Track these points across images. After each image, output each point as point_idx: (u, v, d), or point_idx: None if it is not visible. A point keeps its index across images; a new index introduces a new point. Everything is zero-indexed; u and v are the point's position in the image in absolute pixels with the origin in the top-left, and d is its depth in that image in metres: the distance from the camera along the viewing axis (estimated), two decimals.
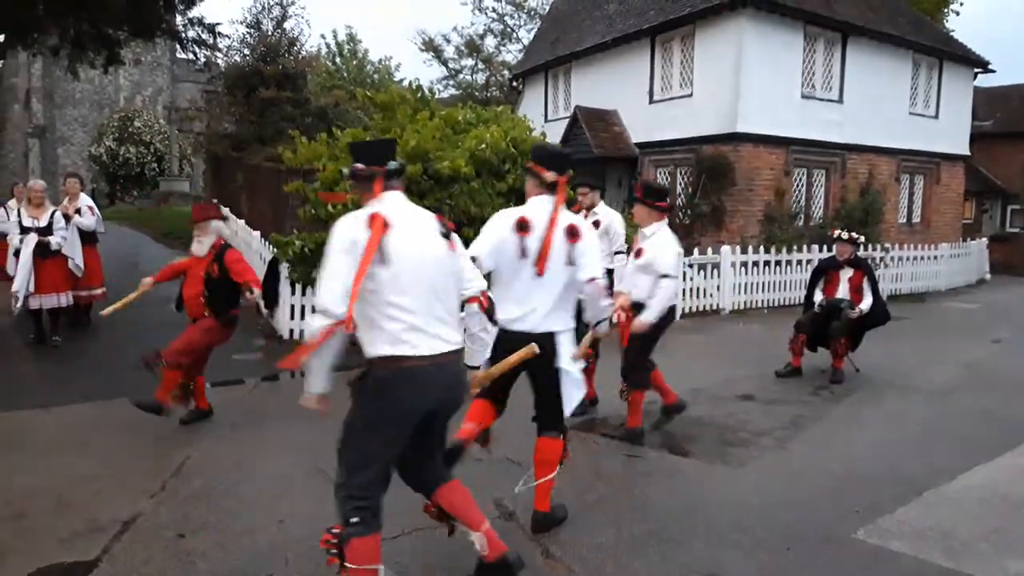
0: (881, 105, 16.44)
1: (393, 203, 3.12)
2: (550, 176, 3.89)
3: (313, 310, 3.02)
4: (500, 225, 3.88)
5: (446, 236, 3.21)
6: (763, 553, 3.86)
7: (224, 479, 4.73)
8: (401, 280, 2.98)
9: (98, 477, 4.74)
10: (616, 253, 6.08)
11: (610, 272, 5.90)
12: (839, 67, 15.72)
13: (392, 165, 3.16)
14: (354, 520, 3.09)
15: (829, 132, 15.58)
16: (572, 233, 3.82)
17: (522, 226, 3.81)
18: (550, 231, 3.78)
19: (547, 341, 3.82)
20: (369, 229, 2.95)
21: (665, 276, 5.39)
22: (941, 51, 17.76)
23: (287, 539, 3.92)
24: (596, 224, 6.06)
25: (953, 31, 25.62)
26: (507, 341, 3.78)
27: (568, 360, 3.90)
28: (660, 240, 5.56)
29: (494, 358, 3.81)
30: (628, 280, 5.76)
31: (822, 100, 15.54)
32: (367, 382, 3.09)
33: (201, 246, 5.78)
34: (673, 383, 6.20)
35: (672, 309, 5.77)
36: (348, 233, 2.98)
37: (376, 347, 3.06)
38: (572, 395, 3.95)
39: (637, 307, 5.47)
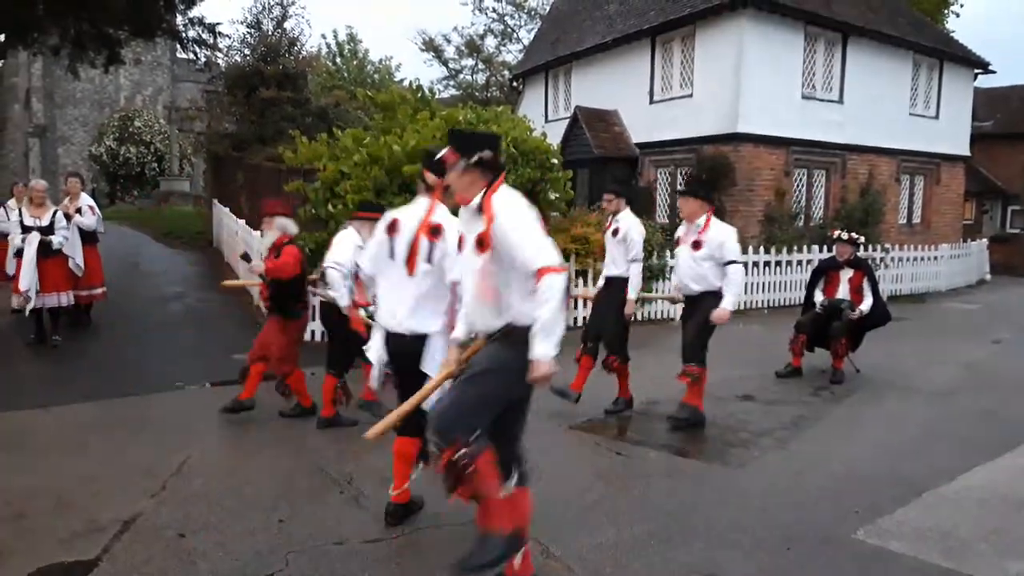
0: (881, 106, 16.44)
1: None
2: (431, 179, 3.89)
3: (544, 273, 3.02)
4: (379, 229, 4.01)
5: None
6: (763, 553, 3.86)
7: (224, 479, 4.73)
8: None
9: (98, 477, 4.74)
10: (632, 262, 6.13)
11: (625, 280, 6.09)
12: (839, 67, 15.73)
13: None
14: (472, 439, 3.10)
15: (829, 132, 15.58)
16: (434, 232, 3.80)
17: (392, 227, 3.90)
18: (419, 232, 3.80)
19: (416, 342, 3.81)
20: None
21: (732, 263, 5.79)
22: (941, 52, 17.76)
23: (288, 539, 3.91)
24: (615, 232, 6.21)
25: (953, 32, 25.62)
26: (390, 343, 3.87)
27: (433, 366, 3.76)
28: (718, 230, 5.88)
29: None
30: (691, 272, 5.96)
31: (822, 100, 15.54)
32: (514, 338, 3.14)
33: (263, 242, 5.97)
34: (675, 384, 6.20)
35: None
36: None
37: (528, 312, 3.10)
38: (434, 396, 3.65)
39: (697, 299, 5.90)
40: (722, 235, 5.85)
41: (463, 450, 3.04)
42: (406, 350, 3.81)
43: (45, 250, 8.15)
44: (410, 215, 3.92)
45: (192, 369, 7.35)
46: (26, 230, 8.16)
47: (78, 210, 8.88)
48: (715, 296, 5.82)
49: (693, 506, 4.47)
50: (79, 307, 9.10)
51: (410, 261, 3.81)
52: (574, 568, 3.69)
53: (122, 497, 4.41)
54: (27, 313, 8.15)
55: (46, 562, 3.65)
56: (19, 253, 8.19)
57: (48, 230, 8.23)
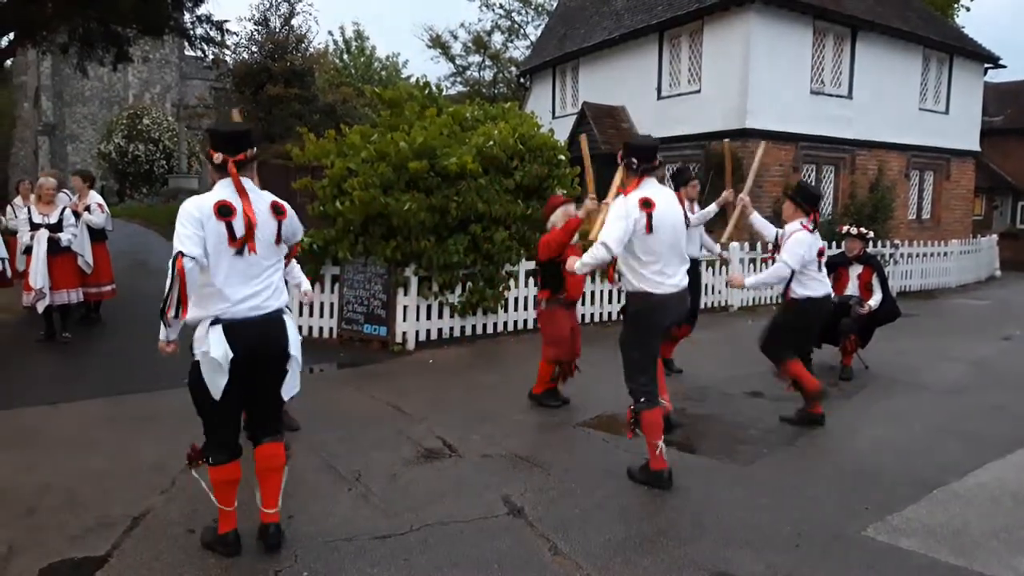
0: (891, 101, 16.36)
1: (652, 187, 4.57)
2: (218, 158, 3.62)
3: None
4: (194, 218, 3.50)
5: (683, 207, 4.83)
6: (772, 551, 3.84)
7: None
8: (662, 243, 4.50)
9: (108, 473, 4.76)
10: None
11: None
12: (848, 62, 15.65)
13: (653, 163, 4.56)
14: (642, 400, 4.61)
15: (838, 128, 15.52)
16: (278, 210, 3.72)
17: (224, 210, 3.54)
18: (248, 210, 3.57)
19: (278, 323, 3.68)
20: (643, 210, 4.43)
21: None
22: (951, 46, 17.66)
23: (296, 536, 3.92)
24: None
25: (963, 27, 25.48)
26: (241, 330, 3.53)
27: (295, 344, 3.74)
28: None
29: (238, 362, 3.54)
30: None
31: (831, 96, 15.48)
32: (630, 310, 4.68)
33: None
34: (682, 379, 6.18)
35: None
36: (625, 208, 4.44)
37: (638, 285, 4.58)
38: (293, 382, 3.80)
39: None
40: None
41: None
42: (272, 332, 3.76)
43: (54, 247, 8.19)
44: (232, 195, 3.62)
45: None
46: (35, 227, 8.20)
47: (87, 208, 8.91)
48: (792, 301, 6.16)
49: (702, 503, 4.46)
50: (88, 304, 9.14)
51: (250, 241, 3.60)
52: (583, 565, 3.68)
53: (132, 493, 4.43)
54: (40, 310, 8.19)
55: (57, 558, 3.67)
56: (28, 250, 8.23)
57: (57, 227, 8.26)
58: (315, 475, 4.79)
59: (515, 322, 9.60)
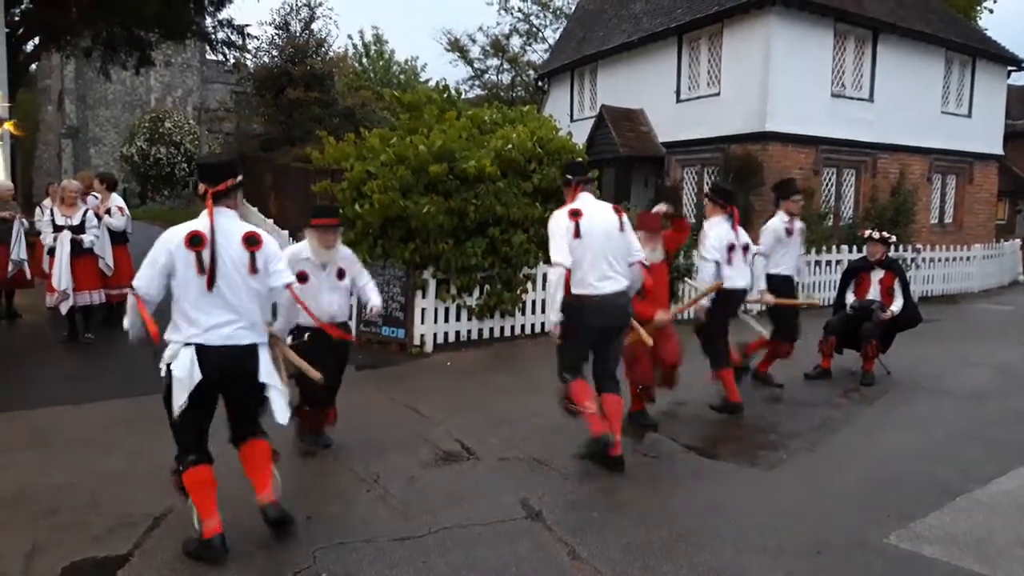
0: (912, 104, 16.20)
1: (585, 200, 5.14)
2: (201, 188, 3.87)
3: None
4: (164, 248, 3.73)
5: (620, 220, 5.08)
6: (792, 557, 3.81)
7: None
8: (587, 248, 4.90)
9: (129, 473, 4.81)
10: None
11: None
12: (870, 65, 15.53)
13: (586, 176, 5.28)
14: (566, 375, 5.06)
15: (859, 131, 15.39)
16: (251, 241, 3.83)
17: (195, 240, 3.71)
18: (212, 240, 3.70)
19: (251, 355, 3.80)
20: (571, 219, 4.96)
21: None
22: (974, 49, 17.46)
23: (314, 536, 3.94)
24: (788, 232, 7.11)
25: (986, 29, 25.20)
26: (211, 355, 3.67)
27: (269, 373, 3.87)
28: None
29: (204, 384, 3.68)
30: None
31: (852, 99, 15.36)
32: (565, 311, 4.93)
33: (655, 253, 5.72)
34: (701, 385, 6.16)
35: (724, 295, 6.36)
36: (557, 223, 5.01)
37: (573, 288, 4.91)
38: (280, 405, 3.89)
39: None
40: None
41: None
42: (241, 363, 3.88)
43: (77, 249, 8.28)
44: (205, 225, 3.81)
45: None
46: (57, 229, 8.30)
47: (107, 211, 9.00)
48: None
49: (721, 509, 4.43)
50: (110, 306, 9.24)
51: (210, 273, 3.74)
52: (601, 570, 3.67)
53: (152, 493, 4.46)
54: (63, 311, 8.29)
55: (79, 557, 3.71)
56: (51, 252, 8.33)
57: (79, 229, 8.35)
58: (334, 476, 4.81)
59: (532, 325, 9.60)
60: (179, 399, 3.65)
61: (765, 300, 7.06)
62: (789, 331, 7.13)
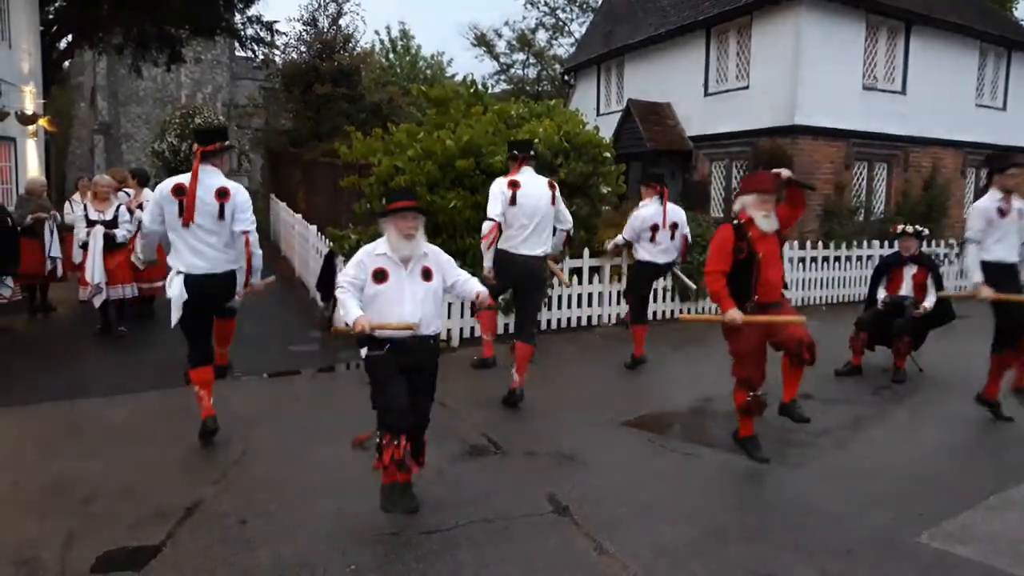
0: (946, 96, 15.91)
1: (526, 173, 6.24)
2: (194, 148, 5.13)
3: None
4: (159, 196, 5.00)
5: (553, 195, 6.22)
6: (823, 556, 3.77)
7: (283, 468, 4.82)
8: (520, 214, 6.05)
9: (161, 464, 4.88)
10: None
11: None
12: (902, 57, 15.27)
13: (529, 153, 6.39)
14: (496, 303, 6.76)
15: (891, 124, 15.15)
16: (222, 193, 4.99)
17: (178, 191, 4.94)
18: (192, 192, 4.91)
19: (224, 278, 5.10)
20: (510, 188, 6.09)
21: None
22: (1010, 40, 17.10)
23: (345, 529, 3.97)
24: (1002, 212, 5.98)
25: (1023, 21, 24.66)
26: (193, 282, 4.96)
27: (236, 298, 5.30)
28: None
29: (191, 302, 5.00)
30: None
31: (884, 91, 15.12)
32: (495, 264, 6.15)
33: (767, 220, 4.92)
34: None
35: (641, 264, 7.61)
36: (499, 187, 6.14)
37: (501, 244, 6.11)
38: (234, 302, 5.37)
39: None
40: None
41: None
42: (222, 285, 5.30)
43: (110, 244, 8.41)
44: (187, 179, 5.14)
45: (251, 360, 7.49)
46: (91, 224, 8.43)
47: (139, 205, 9.13)
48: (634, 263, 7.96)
49: (750, 506, 4.40)
50: (142, 299, 9.37)
51: (188, 214, 4.98)
52: (629, 565, 3.66)
53: (185, 484, 4.53)
54: (96, 305, 8.42)
55: (113, 546, 3.77)
56: (84, 246, 8.47)
57: (112, 224, 8.48)
58: (363, 470, 4.83)
59: (558, 320, 9.58)
60: (175, 313, 4.99)
61: (982, 295, 5.95)
62: (1015, 333, 6.06)
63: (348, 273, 4.14)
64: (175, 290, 4.94)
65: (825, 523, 4.16)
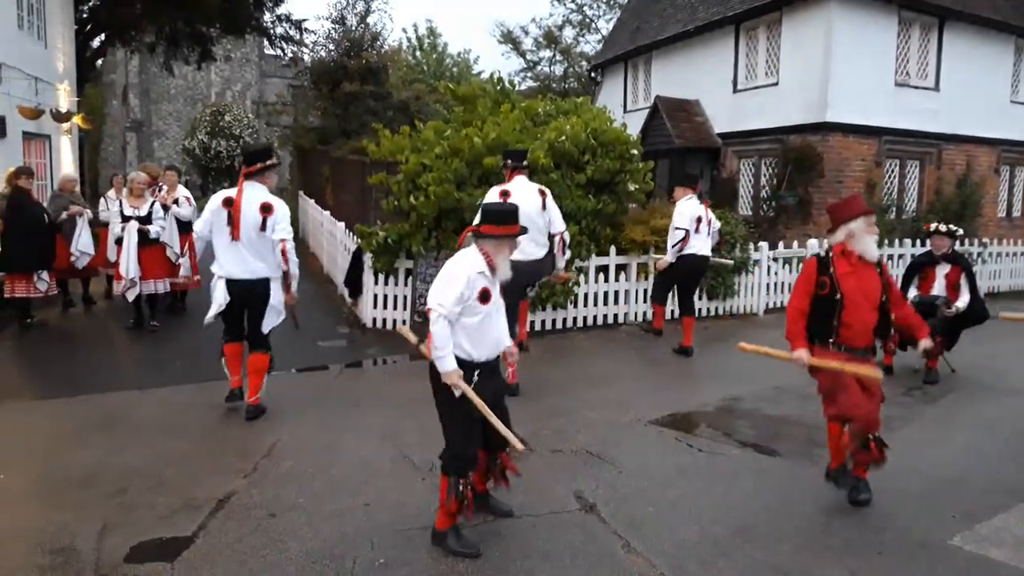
0: (980, 93, 15.62)
1: (517, 182, 6.43)
2: (240, 167, 5.79)
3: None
4: (211, 206, 5.64)
5: (543, 201, 6.35)
6: (853, 557, 3.74)
7: (312, 462, 4.87)
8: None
9: (193, 456, 4.96)
10: None
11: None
12: (935, 53, 15.02)
13: (522, 163, 6.58)
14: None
15: (924, 121, 14.91)
16: (265, 208, 5.51)
17: (227, 202, 5.54)
18: (238, 206, 5.49)
19: (261, 285, 5.64)
20: (501, 197, 6.15)
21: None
22: None
23: (373, 523, 4.01)
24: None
25: None
26: (233, 285, 5.57)
27: (277, 297, 5.74)
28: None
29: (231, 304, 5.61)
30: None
31: (917, 88, 14.88)
32: None
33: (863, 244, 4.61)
34: (758, 380, 6.07)
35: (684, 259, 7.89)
36: (492, 196, 6.33)
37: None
38: (272, 319, 5.80)
39: None
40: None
41: None
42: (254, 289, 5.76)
43: (144, 239, 8.54)
44: (234, 193, 5.70)
45: (280, 355, 7.54)
46: (126, 219, 8.56)
47: (175, 201, 9.26)
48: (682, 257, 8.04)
49: (779, 506, 4.37)
50: (175, 294, 9.51)
51: (236, 227, 5.58)
52: (656, 563, 3.65)
53: (216, 476, 4.60)
54: (130, 299, 8.56)
55: (147, 537, 3.84)
56: (119, 241, 8.61)
57: (146, 220, 8.61)
58: (391, 465, 4.88)
59: (584, 318, 9.56)
60: (213, 311, 5.60)
61: None
62: None
63: (452, 295, 3.51)
64: (219, 293, 5.58)
65: (855, 524, 4.12)
